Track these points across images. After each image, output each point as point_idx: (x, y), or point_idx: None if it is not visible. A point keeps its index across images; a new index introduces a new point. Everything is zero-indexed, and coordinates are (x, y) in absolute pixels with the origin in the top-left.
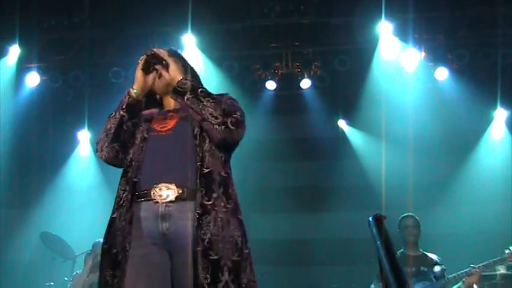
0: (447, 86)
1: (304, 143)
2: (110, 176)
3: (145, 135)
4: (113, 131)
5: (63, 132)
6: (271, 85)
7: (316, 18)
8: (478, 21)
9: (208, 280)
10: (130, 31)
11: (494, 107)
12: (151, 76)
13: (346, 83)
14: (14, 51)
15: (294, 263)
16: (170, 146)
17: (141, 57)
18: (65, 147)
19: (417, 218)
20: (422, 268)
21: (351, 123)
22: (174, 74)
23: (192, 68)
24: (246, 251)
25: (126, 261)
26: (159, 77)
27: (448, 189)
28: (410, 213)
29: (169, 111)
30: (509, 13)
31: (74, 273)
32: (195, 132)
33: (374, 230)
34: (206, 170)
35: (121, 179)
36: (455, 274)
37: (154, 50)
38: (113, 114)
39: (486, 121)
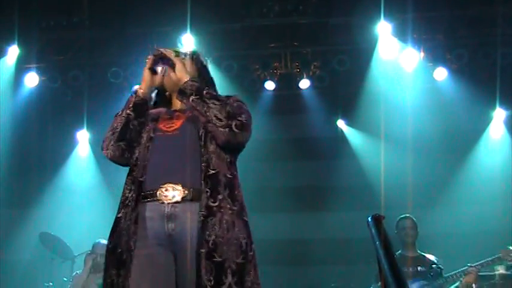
0: (446, 86)
1: (303, 143)
2: (109, 176)
3: (152, 135)
4: (119, 129)
5: (62, 132)
6: (270, 85)
7: (315, 18)
8: (477, 21)
9: (212, 282)
10: (130, 31)
11: (493, 107)
12: (158, 76)
13: (345, 83)
14: (13, 51)
15: (293, 263)
16: (176, 146)
17: (149, 57)
18: (64, 147)
19: (414, 219)
20: (420, 268)
21: (350, 123)
22: (181, 74)
23: (203, 69)
24: (251, 253)
25: (131, 261)
26: (166, 76)
27: (447, 189)
28: (408, 215)
29: (176, 111)
30: (508, 13)
31: (74, 274)
32: (200, 134)
33: (373, 230)
34: (212, 172)
35: (127, 178)
36: (452, 273)
37: (161, 50)
38: (119, 113)
39: (485, 121)
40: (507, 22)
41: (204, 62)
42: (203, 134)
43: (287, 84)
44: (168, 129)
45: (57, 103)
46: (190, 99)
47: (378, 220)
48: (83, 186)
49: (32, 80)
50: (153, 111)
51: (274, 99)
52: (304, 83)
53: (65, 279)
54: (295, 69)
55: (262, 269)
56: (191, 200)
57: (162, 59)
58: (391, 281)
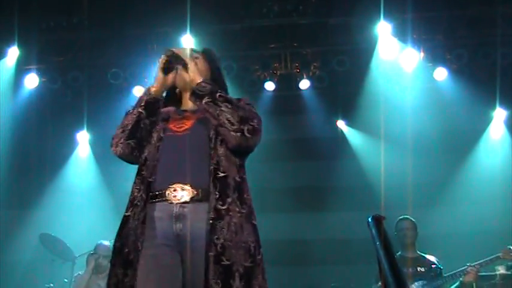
0: (446, 86)
1: (303, 143)
2: (109, 177)
3: (162, 135)
4: (129, 127)
5: (62, 133)
6: (270, 86)
7: (314, 19)
8: (476, 21)
9: (220, 285)
10: (129, 32)
11: (493, 107)
12: (170, 75)
13: (345, 84)
14: (13, 52)
15: (293, 263)
16: (186, 146)
17: (162, 57)
18: (64, 148)
19: (413, 220)
20: (419, 269)
21: (350, 123)
22: (194, 75)
23: (216, 70)
24: (259, 257)
25: (137, 261)
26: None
27: (447, 189)
28: (406, 216)
29: (186, 111)
30: (508, 13)
31: (76, 274)
32: (210, 136)
33: (373, 231)
34: (222, 174)
35: (136, 177)
36: (451, 273)
37: (174, 49)
38: (130, 111)
39: (485, 121)
40: (507, 22)
41: (217, 62)
42: (214, 137)
43: (287, 84)
44: (178, 130)
45: (57, 104)
46: (203, 101)
47: (378, 220)
48: (83, 187)
49: (32, 81)
50: (163, 110)
51: (274, 100)
52: (304, 84)
53: (65, 280)
54: (295, 70)
55: None
56: (200, 200)
57: (175, 58)
58: (391, 281)
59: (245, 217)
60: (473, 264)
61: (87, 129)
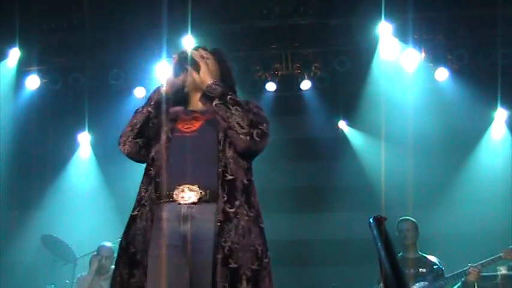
0: (447, 87)
1: (305, 143)
2: (111, 178)
3: (170, 135)
4: (138, 126)
5: (63, 134)
6: (271, 86)
7: (315, 19)
8: (477, 21)
9: None
10: (130, 33)
11: (495, 107)
12: (181, 76)
13: (346, 84)
14: (14, 54)
15: (293, 264)
16: (194, 147)
17: (173, 57)
18: (65, 150)
19: (414, 221)
20: (421, 270)
21: (351, 124)
22: (204, 76)
23: (226, 70)
24: (266, 260)
25: (145, 261)
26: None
27: (448, 189)
28: (407, 217)
29: (195, 111)
30: (508, 13)
31: (79, 275)
32: (219, 138)
33: (375, 232)
34: (230, 177)
35: (143, 177)
36: (453, 274)
37: (186, 51)
38: (139, 110)
39: (486, 121)
40: (507, 22)
41: (227, 62)
42: (222, 139)
43: (288, 85)
44: (187, 130)
45: (58, 105)
46: (214, 103)
47: (379, 221)
48: (85, 188)
49: (33, 82)
50: (171, 110)
51: (275, 101)
52: (305, 84)
53: (67, 281)
54: (296, 70)
55: None
56: (207, 201)
57: (186, 59)
58: (393, 282)
59: (253, 220)
60: (475, 264)
61: (89, 130)
